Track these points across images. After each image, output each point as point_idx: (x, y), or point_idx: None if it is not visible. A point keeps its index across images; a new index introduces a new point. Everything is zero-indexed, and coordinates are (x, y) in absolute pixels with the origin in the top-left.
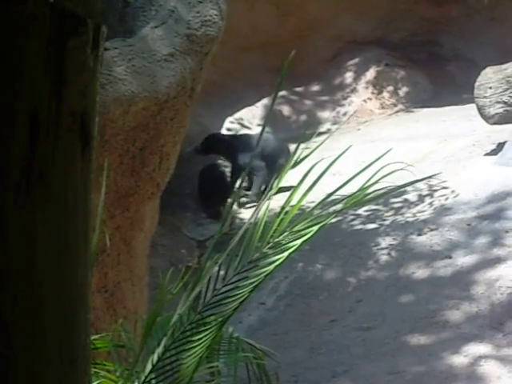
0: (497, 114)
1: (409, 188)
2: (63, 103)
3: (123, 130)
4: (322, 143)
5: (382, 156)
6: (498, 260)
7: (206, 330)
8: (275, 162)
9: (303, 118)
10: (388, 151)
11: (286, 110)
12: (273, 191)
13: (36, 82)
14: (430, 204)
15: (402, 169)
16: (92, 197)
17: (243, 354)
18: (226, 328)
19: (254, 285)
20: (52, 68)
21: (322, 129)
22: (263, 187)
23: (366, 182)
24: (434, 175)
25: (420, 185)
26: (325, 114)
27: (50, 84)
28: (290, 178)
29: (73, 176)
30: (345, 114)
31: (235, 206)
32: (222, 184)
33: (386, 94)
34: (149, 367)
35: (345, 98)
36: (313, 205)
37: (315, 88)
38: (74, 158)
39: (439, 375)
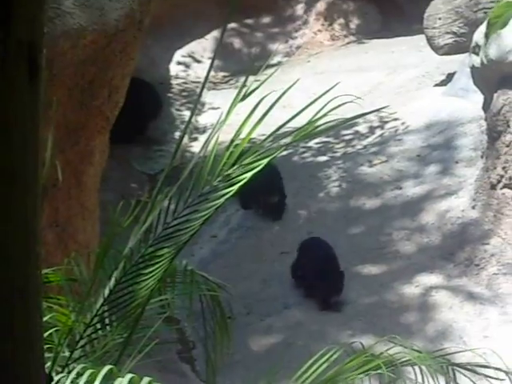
0: (446, 44)
1: (359, 120)
2: (10, 33)
3: (72, 63)
4: (270, 76)
5: (331, 88)
6: (448, 190)
7: (158, 262)
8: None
9: (254, 50)
10: (336, 84)
11: (236, 42)
12: (221, 125)
13: None
14: (381, 135)
15: (351, 101)
16: (41, 131)
17: (197, 287)
18: (180, 261)
19: (204, 218)
20: None
21: (273, 61)
22: None
23: (316, 115)
24: (384, 107)
25: (370, 116)
26: (276, 47)
27: None
28: (239, 110)
29: (21, 106)
30: (296, 47)
31: (186, 139)
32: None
33: (336, 26)
34: (100, 300)
35: (296, 30)
36: (263, 138)
37: (265, 20)
38: (22, 88)
39: (391, 305)
